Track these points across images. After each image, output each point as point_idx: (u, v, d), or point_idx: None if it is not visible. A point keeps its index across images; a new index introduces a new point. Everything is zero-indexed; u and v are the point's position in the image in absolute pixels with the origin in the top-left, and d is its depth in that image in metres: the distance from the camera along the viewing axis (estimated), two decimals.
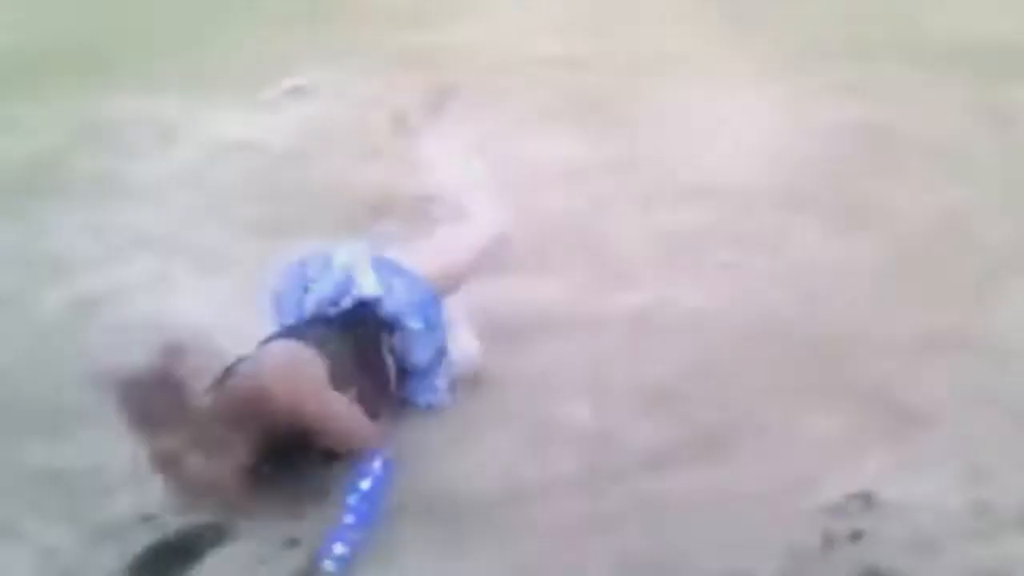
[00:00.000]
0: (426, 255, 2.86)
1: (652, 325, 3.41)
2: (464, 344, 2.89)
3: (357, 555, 2.26)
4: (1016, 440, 2.74)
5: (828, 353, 3.23)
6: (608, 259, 3.96)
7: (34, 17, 8.17)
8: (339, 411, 2.42)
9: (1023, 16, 6.74)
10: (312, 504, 2.43)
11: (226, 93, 6.31)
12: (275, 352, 2.50)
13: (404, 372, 2.73)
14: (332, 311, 2.67)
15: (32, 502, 2.56)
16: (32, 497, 2.58)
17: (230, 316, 3.48)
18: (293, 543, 2.37)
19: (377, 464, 2.38)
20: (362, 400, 2.49)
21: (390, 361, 2.68)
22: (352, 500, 2.31)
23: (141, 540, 2.39)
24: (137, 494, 2.55)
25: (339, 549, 2.23)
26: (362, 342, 2.62)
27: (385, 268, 2.72)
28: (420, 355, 2.71)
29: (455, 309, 2.90)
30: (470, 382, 2.90)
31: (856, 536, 2.40)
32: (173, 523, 2.43)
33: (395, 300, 2.67)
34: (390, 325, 2.68)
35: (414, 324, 2.68)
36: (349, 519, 2.28)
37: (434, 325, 2.73)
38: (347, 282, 2.68)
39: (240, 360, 2.51)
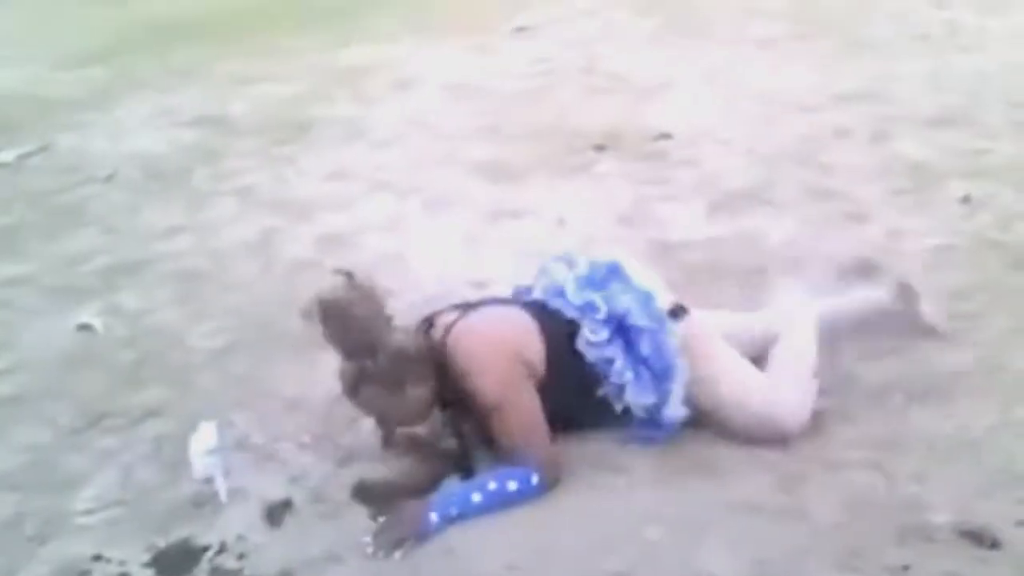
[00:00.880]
0: (719, 363, 2.52)
1: (886, 261, 3.26)
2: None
3: (462, 522, 2.31)
4: None
5: None
6: (840, 194, 3.81)
7: None
8: (523, 414, 2.37)
9: None
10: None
11: (455, 39, 6.47)
12: (498, 324, 2.48)
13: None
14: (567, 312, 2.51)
15: (286, 428, 2.75)
16: (286, 423, 2.77)
17: (458, 256, 3.61)
18: None
19: (535, 480, 2.32)
20: (556, 399, 2.42)
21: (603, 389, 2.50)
22: (492, 485, 2.33)
23: (382, 466, 2.52)
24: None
25: (452, 511, 2.31)
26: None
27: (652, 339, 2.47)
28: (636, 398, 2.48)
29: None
30: None
31: None
32: (411, 457, 2.56)
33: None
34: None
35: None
36: (476, 497, 2.32)
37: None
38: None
39: (468, 307, 2.51)
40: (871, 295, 2.90)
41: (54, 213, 4.42)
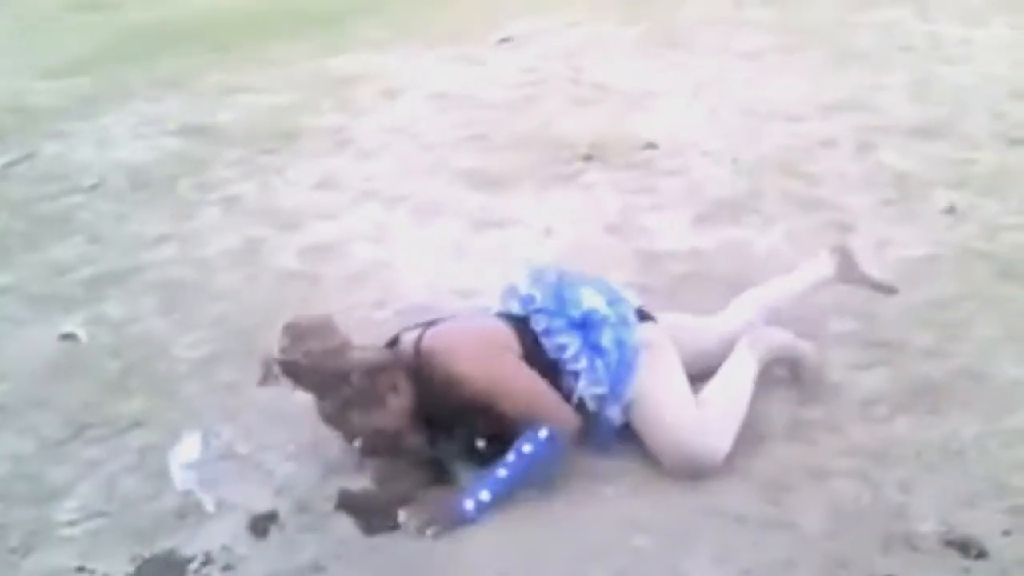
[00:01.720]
0: (665, 382, 2.50)
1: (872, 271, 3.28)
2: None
3: (498, 505, 2.34)
4: None
5: None
6: (826, 204, 3.83)
7: None
8: (528, 382, 2.41)
9: None
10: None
11: (442, 49, 6.48)
12: (469, 323, 2.56)
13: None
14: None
15: (271, 438, 2.73)
16: (271, 434, 2.75)
17: (445, 266, 3.61)
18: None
19: (544, 434, 2.34)
20: None
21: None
22: (511, 456, 2.35)
23: (367, 477, 2.51)
24: None
25: (484, 495, 2.33)
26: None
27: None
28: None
29: None
30: None
31: None
32: (395, 468, 2.55)
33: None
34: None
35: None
36: (502, 472, 2.34)
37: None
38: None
39: (430, 323, 2.54)
40: (813, 269, 2.99)
41: (39, 222, 4.40)
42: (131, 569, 2.31)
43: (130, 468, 2.67)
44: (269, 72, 6.42)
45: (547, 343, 2.46)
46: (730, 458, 2.46)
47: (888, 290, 3.06)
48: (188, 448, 2.49)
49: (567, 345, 2.43)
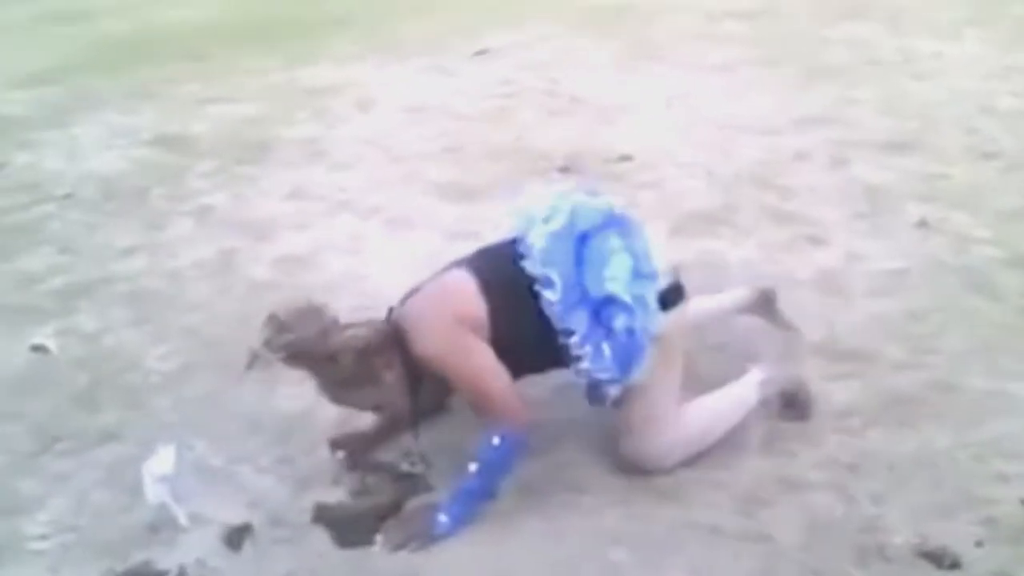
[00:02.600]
0: (645, 391, 2.44)
1: (843, 285, 3.31)
2: None
3: (472, 516, 2.35)
4: None
5: None
6: (799, 217, 3.86)
7: None
8: (479, 373, 2.35)
9: None
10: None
11: (417, 61, 6.48)
12: (434, 295, 2.44)
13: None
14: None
15: (245, 450, 2.71)
16: (245, 446, 2.74)
17: (419, 277, 3.59)
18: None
19: (496, 441, 2.32)
20: (515, 350, 2.36)
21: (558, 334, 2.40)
22: (473, 467, 2.34)
23: (342, 490, 2.51)
24: None
25: (457, 509, 2.34)
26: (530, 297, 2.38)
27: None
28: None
29: None
30: None
31: None
32: (370, 481, 2.55)
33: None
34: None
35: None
36: (472, 483, 2.34)
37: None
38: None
39: (417, 288, 2.52)
40: (734, 295, 3.00)
41: (9, 232, 4.35)
42: None
43: (101, 481, 2.65)
44: (243, 83, 6.40)
45: (551, 314, 2.34)
46: (706, 470, 2.47)
47: (794, 330, 2.99)
48: (161, 461, 2.46)
49: (574, 330, 2.34)
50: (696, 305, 2.73)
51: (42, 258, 4.06)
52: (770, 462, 2.50)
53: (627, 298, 2.32)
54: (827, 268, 3.44)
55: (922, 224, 3.70)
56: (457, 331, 2.34)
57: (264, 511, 2.47)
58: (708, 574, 2.17)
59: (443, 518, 2.32)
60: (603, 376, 2.36)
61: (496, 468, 2.35)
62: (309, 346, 2.30)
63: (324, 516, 2.41)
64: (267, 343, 2.30)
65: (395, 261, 3.77)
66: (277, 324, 2.32)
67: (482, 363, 2.35)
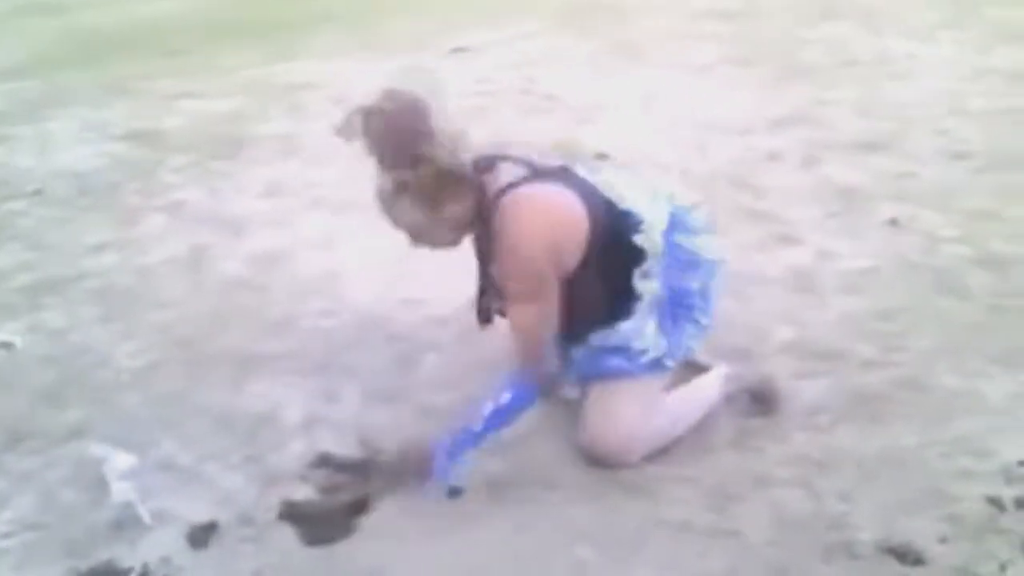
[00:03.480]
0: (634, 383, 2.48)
1: (815, 283, 3.32)
2: None
3: (472, 454, 2.38)
4: None
5: (1011, 313, 3.07)
6: (772, 216, 3.87)
7: None
8: (535, 310, 2.33)
9: None
10: None
11: (395, 58, 6.46)
12: (541, 206, 2.32)
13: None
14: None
15: (213, 448, 2.69)
16: (213, 444, 2.72)
17: (394, 275, 3.58)
18: (455, 492, 2.43)
19: (515, 391, 2.35)
20: (578, 301, 2.37)
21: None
22: (486, 411, 2.35)
23: (311, 487, 2.49)
24: (307, 442, 2.68)
25: (460, 442, 2.35)
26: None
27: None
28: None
29: None
30: None
31: None
32: (338, 478, 2.54)
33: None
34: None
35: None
36: (477, 427, 2.35)
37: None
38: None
39: (532, 174, 2.37)
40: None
41: None
42: None
43: (67, 480, 2.62)
44: (218, 78, 6.37)
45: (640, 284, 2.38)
46: (675, 466, 2.47)
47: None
48: (123, 459, 2.44)
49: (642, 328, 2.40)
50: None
51: (10, 255, 4.03)
52: (739, 458, 2.51)
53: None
54: (798, 267, 3.45)
55: (893, 223, 3.72)
56: (543, 259, 2.29)
57: (231, 509, 2.45)
58: (675, 570, 2.17)
59: (445, 448, 2.34)
60: (650, 350, 2.41)
61: (513, 413, 2.37)
62: (404, 135, 2.20)
63: (291, 513, 2.39)
64: (367, 114, 2.19)
65: (369, 259, 3.75)
66: (391, 98, 2.22)
67: (543, 305, 2.34)
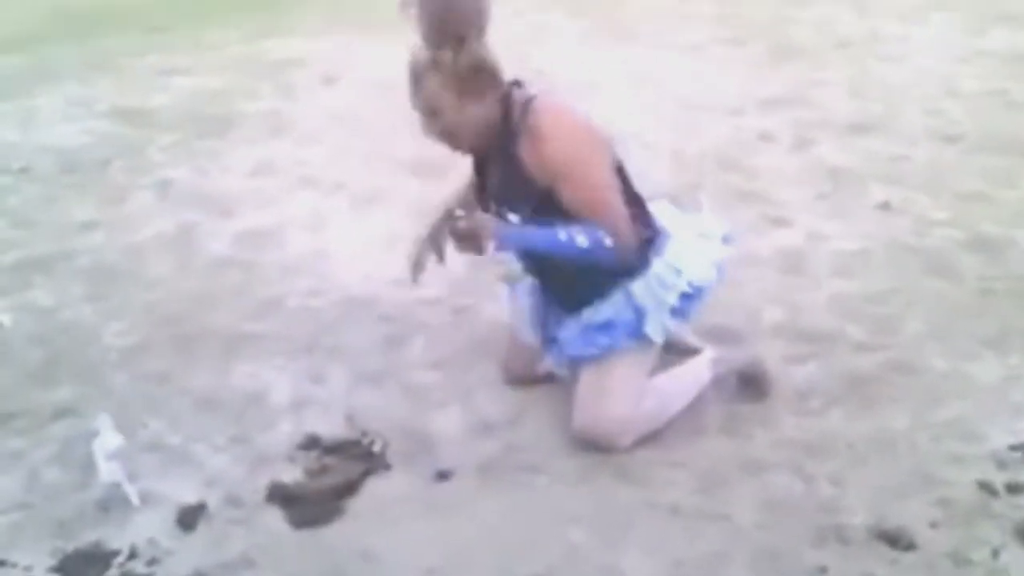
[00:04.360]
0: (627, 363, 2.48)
1: (806, 265, 3.32)
2: None
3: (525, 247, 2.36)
4: None
5: (1001, 296, 3.07)
6: (763, 197, 3.86)
7: None
8: (607, 185, 2.31)
9: None
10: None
11: (383, 35, 6.40)
12: (570, 108, 2.36)
13: None
14: None
15: (201, 429, 2.68)
16: (201, 424, 2.70)
17: (383, 255, 3.56)
18: (444, 475, 2.43)
19: (609, 243, 2.27)
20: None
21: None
22: (561, 236, 2.27)
23: (298, 469, 2.48)
24: (295, 423, 2.67)
25: (520, 235, 2.32)
26: None
27: None
28: None
29: None
30: None
31: (1016, 488, 2.28)
32: (327, 459, 2.53)
33: None
34: None
35: None
36: (546, 236, 2.28)
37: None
38: None
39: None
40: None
41: None
42: (53, 563, 2.24)
43: (54, 459, 2.60)
44: (205, 56, 6.31)
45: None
46: (666, 450, 2.47)
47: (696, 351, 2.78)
48: (112, 438, 2.41)
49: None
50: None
51: None
52: (729, 442, 2.50)
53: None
54: (789, 248, 3.45)
55: (884, 206, 3.71)
56: (596, 139, 2.32)
57: (219, 490, 2.44)
58: (666, 553, 2.16)
59: (509, 232, 2.30)
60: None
61: (582, 254, 2.28)
62: (453, 18, 2.20)
63: (279, 495, 2.38)
64: None
65: (357, 238, 3.74)
66: None
67: (610, 178, 2.33)
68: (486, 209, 2.43)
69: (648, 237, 2.43)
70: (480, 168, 2.51)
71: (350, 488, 2.39)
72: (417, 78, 2.29)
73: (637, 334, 2.43)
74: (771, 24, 6.23)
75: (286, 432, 2.63)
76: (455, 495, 2.37)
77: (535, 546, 2.20)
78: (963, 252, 3.35)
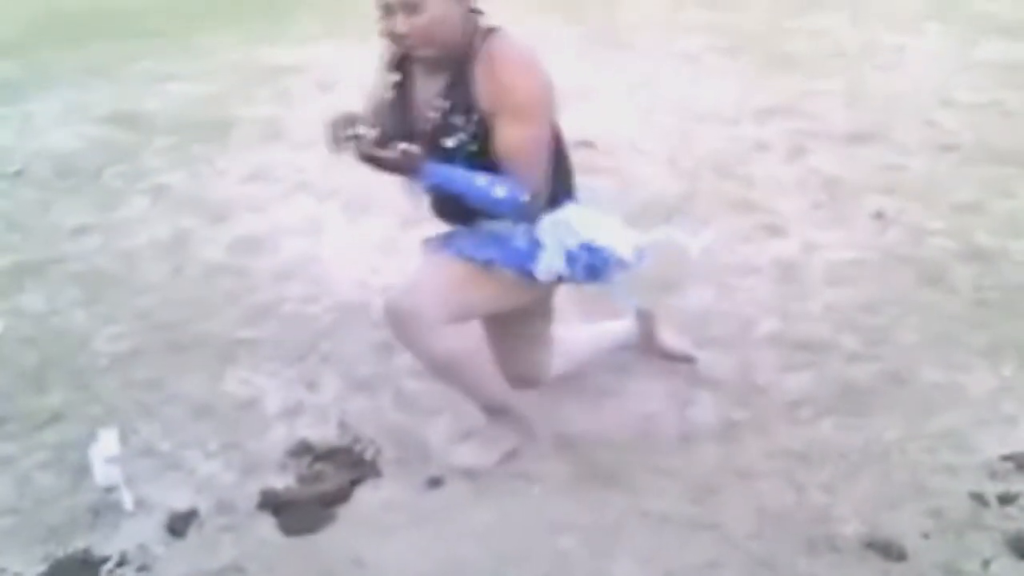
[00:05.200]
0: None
1: (800, 275, 3.32)
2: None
3: (446, 186, 2.26)
4: None
5: (995, 306, 3.08)
6: (758, 206, 3.86)
7: None
8: (540, 138, 2.26)
9: None
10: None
11: (378, 42, 6.41)
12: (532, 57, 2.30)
13: None
14: None
15: (192, 435, 2.68)
16: (192, 431, 2.70)
17: (376, 261, 3.56)
18: (435, 483, 2.42)
19: (524, 198, 2.21)
20: None
21: None
22: (479, 181, 2.21)
23: (290, 476, 2.48)
24: (287, 430, 2.66)
25: (444, 171, 2.23)
26: None
27: None
28: None
29: None
30: None
31: (1008, 499, 2.28)
32: (319, 466, 2.52)
33: None
34: None
35: None
36: (464, 178, 2.22)
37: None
38: None
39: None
40: (616, 327, 2.87)
41: None
42: (44, 568, 2.24)
43: (46, 464, 2.60)
44: (201, 61, 6.30)
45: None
46: (657, 457, 2.47)
47: (686, 359, 2.86)
48: (105, 443, 2.41)
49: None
50: (576, 340, 2.75)
51: None
52: (721, 450, 2.50)
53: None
54: (784, 258, 3.45)
55: (879, 215, 3.71)
56: (550, 89, 2.29)
57: (211, 497, 2.43)
58: (657, 562, 2.16)
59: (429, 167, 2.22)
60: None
61: (494, 204, 2.24)
62: None
63: (271, 502, 2.38)
64: None
65: (353, 245, 3.74)
66: None
67: (547, 131, 2.29)
68: (401, 126, 2.36)
69: (566, 191, 2.41)
70: (403, 90, 2.41)
71: (342, 495, 2.39)
72: None
73: (522, 265, 2.33)
74: (767, 34, 6.23)
75: (278, 439, 2.63)
76: (446, 503, 2.37)
77: (526, 554, 2.20)
78: (957, 262, 3.35)
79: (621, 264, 2.41)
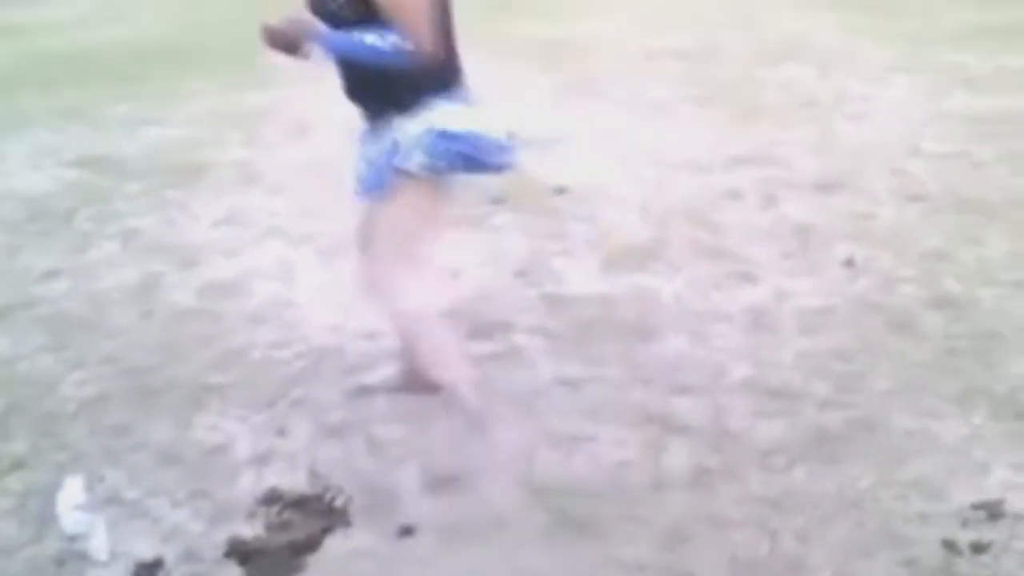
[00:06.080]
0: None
1: (772, 322, 3.34)
2: None
3: (337, 53, 2.47)
4: None
5: (965, 354, 3.10)
6: (730, 254, 3.88)
7: (172, 16, 8.46)
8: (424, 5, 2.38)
9: None
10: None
11: None
12: None
13: None
14: None
15: (159, 483, 2.63)
16: (160, 478, 2.65)
17: (350, 306, 3.54)
18: (406, 531, 2.39)
19: (408, 47, 2.35)
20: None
21: None
22: (368, 39, 2.35)
23: (259, 524, 2.44)
24: (257, 477, 2.62)
25: (336, 39, 2.40)
26: None
27: None
28: None
29: None
30: None
31: (980, 548, 2.28)
32: (288, 514, 2.48)
33: None
34: None
35: None
36: (368, 39, 2.36)
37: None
38: None
39: None
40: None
41: None
42: None
43: (9, 512, 2.54)
44: (176, 105, 6.31)
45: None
46: (629, 505, 2.45)
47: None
48: (72, 491, 2.36)
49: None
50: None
51: None
52: (693, 498, 2.49)
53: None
54: (756, 305, 3.46)
55: (849, 263, 3.74)
56: None
57: (177, 545, 2.38)
58: None
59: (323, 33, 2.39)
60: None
61: (381, 56, 2.38)
62: None
63: (238, 551, 2.33)
64: None
65: (326, 290, 3.72)
66: None
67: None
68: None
69: (451, 65, 2.57)
70: None
71: (311, 544, 2.35)
72: None
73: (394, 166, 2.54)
74: (738, 83, 6.32)
75: (247, 486, 2.59)
76: (417, 552, 2.33)
77: None
78: (927, 310, 3.38)
79: (498, 149, 2.65)
